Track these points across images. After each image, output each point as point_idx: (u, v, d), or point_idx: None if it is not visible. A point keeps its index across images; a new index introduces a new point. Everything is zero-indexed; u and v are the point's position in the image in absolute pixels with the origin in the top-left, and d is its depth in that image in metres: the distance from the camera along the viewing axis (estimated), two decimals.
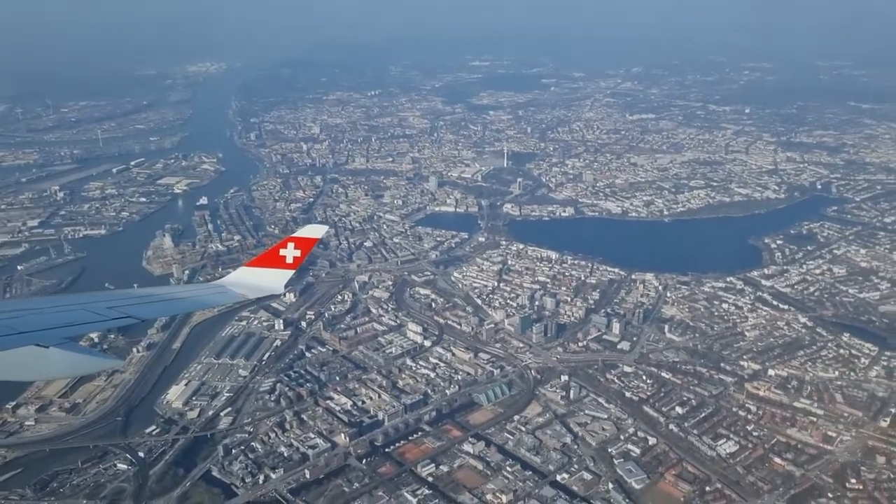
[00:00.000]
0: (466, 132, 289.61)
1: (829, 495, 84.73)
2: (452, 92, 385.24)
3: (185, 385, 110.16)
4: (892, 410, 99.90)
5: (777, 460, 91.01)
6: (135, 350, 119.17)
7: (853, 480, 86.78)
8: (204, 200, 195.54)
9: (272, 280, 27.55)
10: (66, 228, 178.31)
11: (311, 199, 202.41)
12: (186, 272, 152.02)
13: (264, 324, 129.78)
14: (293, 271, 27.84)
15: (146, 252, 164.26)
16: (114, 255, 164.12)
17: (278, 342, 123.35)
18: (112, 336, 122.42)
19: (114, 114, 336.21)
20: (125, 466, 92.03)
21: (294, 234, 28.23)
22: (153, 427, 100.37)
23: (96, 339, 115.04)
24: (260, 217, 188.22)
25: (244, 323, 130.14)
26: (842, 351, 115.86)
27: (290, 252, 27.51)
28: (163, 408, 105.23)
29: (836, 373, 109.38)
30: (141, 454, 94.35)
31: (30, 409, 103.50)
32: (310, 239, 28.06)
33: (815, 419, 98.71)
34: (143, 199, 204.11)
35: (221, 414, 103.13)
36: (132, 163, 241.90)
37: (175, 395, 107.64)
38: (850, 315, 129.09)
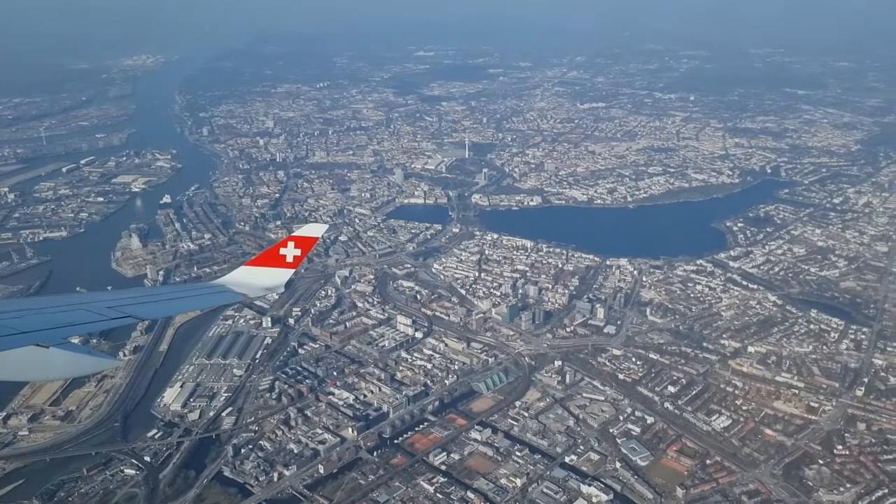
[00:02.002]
0: (423, 123, 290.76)
1: (820, 461, 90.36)
2: (402, 83, 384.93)
3: (181, 387, 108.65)
4: (865, 380, 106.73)
5: (768, 432, 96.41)
6: (121, 354, 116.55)
7: (839, 447, 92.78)
8: (167, 199, 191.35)
9: (273, 279, 27.59)
10: (23, 231, 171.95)
11: (277, 195, 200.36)
12: (161, 272, 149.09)
13: (251, 322, 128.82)
14: (294, 270, 28.10)
15: (114, 253, 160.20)
16: (80, 257, 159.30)
17: (268, 340, 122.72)
18: (94, 340, 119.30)
19: (52, 111, 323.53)
20: (133, 472, 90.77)
21: (294, 234, 28.37)
22: (155, 431, 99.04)
23: (78, 344, 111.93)
24: (227, 214, 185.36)
25: (230, 322, 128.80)
26: (812, 326, 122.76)
27: (290, 251, 27.62)
28: (160, 411, 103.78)
29: (810, 347, 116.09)
30: (147, 458, 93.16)
31: (21, 419, 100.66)
32: (310, 238, 28.25)
33: (797, 391, 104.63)
34: (101, 199, 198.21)
35: (223, 414, 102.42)
36: (82, 161, 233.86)
37: (171, 397, 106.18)
38: (814, 292, 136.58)
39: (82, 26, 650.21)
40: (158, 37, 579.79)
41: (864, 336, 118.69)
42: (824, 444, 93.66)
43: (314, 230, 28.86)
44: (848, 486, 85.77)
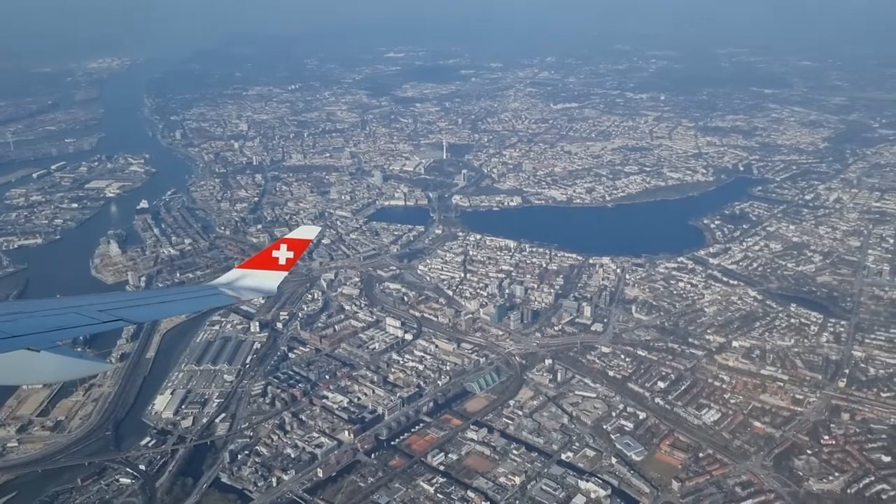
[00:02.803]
0: (398, 125, 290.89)
1: (808, 452, 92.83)
2: (375, 84, 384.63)
3: (171, 394, 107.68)
4: (847, 371, 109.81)
5: (757, 424, 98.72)
6: (108, 360, 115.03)
7: (826, 437, 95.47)
8: (144, 204, 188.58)
9: (265, 281, 27.52)
10: None
11: (256, 198, 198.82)
12: (142, 278, 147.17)
13: (238, 327, 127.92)
14: (286, 272, 28.00)
15: (93, 260, 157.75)
16: (57, 264, 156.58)
17: (257, 345, 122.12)
18: (80, 349, 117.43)
19: (17, 115, 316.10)
20: (128, 481, 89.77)
21: (287, 236, 28.25)
22: (148, 439, 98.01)
23: (69, 348, 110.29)
24: (206, 219, 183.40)
25: (217, 327, 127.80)
26: (792, 320, 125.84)
27: (282, 253, 27.54)
28: (152, 418, 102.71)
29: (792, 341, 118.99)
30: (142, 467, 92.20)
31: (9, 430, 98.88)
32: (303, 240, 28.07)
33: (782, 384, 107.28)
34: (75, 205, 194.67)
35: (217, 420, 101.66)
36: (53, 167, 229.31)
37: (163, 404, 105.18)
38: (793, 287, 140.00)
39: (39, 26, 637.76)
40: (123, 38, 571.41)
41: (842, 329, 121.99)
42: (811, 435, 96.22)
43: (307, 232, 28.79)
44: (836, 474, 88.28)
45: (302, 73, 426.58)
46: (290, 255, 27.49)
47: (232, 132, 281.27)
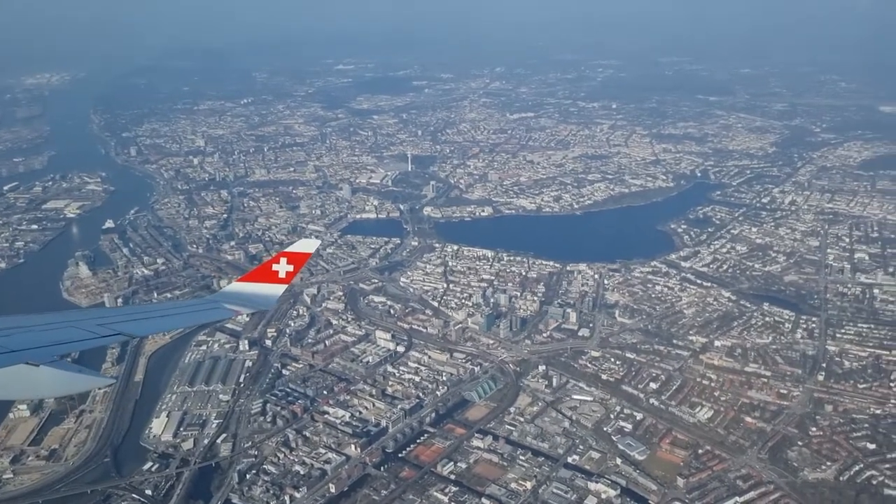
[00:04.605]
0: (358, 138, 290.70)
1: (799, 443, 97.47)
2: (328, 97, 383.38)
3: (167, 416, 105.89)
4: (824, 365, 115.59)
5: (748, 419, 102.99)
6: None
7: (814, 429, 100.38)
8: (110, 223, 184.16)
9: (265, 295, 27.56)
10: None
11: (225, 215, 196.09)
12: (119, 300, 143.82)
13: (226, 346, 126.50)
14: (286, 286, 28.06)
15: (63, 283, 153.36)
16: (25, 288, 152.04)
17: (249, 363, 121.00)
18: None
19: None
20: None
21: (286, 249, 28.27)
22: (150, 463, 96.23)
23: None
24: (175, 237, 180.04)
25: (204, 347, 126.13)
26: (767, 319, 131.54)
27: (282, 267, 27.55)
28: (151, 442, 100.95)
29: (770, 338, 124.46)
30: (148, 492, 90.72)
31: (3, 461, 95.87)
32: (302, 254, 28.11)
33: (766, 380, 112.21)
34: (35, 227, 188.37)
35: (218, 441, 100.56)
36: (5, 187, 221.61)
37: (160, 427, 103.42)
38: (763, 287, 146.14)
39: None
40: (58, 53, 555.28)
41: (814, 325, 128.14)
42: (800, 427, 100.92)
43: (307, 246, 28.75)
44: (829, 463, 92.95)
45: (253, 87, 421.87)
46: (290, 268, 27.57)
47: (189, 148, 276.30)
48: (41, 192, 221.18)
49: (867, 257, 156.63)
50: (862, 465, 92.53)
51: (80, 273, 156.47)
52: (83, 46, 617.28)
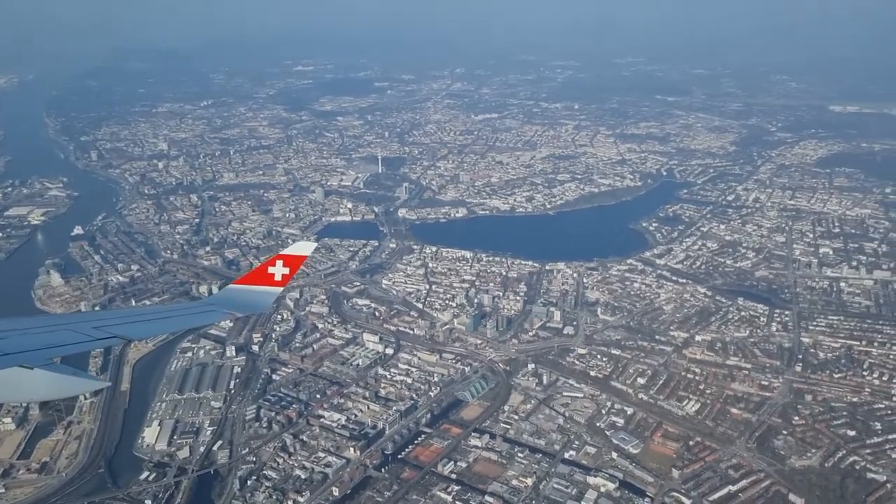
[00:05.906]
0: (325, 140, 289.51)
1: (784, 432, 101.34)
2: (290, 99, 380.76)
3: (160, 425, 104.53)
4: (800, 357, 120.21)
5: (734, 410, 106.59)
6: (81, 397, 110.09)
7: (796, 418, 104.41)
8: (79, 230, 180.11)
9: (260, 297, 27.37)
10: None
11: (196, 220, 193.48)
12: (96, 307, 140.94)
13: (212, 353, 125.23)
14: (281, 289, 27.85)
15: (34, 292, 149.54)
16: None
17: (237, 369, 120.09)
18: None
19: None
20: None
21: (283, 252, 28.10)
22: (146, 473, 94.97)
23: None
24: (147, 243, 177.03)
25: (190, 354, 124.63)
26: (742, 313, 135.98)
27: (278, 270, 27.38)
28: (145, 452, 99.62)
29: (747, 332, 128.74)
30: (147, 502, 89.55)
31: None
32: (299, 256, 27.93)
33: (747, 372, 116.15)
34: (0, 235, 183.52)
35: (214, 448, 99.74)
36: None
37: (153, 436, 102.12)
38: (735, 282, 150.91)
39: None
40: (4, 55, 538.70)
41: (787, 318, 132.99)
42: (783, 417, 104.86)
43: (303, 248, 28.77)
44: (813, 451, 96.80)
45: (211, 89, 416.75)
46: (286, 271, 27.42)
47: (152, 151, 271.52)
48: (1, 198, 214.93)
49: (831, 252, 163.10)
50: (844, 452, 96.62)
51: (52, 281, 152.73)
52: (29, 47, 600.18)
